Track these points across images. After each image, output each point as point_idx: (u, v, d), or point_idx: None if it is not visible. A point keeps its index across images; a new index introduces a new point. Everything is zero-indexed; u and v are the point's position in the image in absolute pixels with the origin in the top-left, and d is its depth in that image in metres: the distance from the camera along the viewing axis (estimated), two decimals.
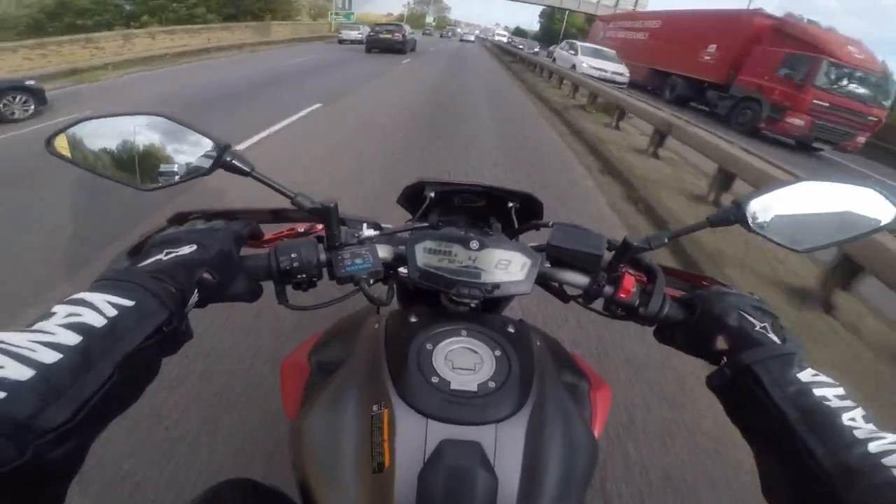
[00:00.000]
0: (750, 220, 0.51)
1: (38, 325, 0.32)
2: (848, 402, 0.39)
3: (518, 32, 76.27)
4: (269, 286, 0.55)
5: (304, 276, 0.53)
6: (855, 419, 0.37)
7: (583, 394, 0.62)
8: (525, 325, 0.58)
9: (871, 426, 0.37)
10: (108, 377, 0.31)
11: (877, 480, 0.32)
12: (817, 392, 0.40)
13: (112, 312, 0.34)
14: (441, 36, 59.59)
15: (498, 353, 0.49)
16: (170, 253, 0.44)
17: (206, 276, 0.45)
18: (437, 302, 0.63)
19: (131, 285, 0.38)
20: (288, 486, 0.55)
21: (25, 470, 0.26)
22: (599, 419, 0.62)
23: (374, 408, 0.45)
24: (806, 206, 0.52)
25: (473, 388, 0.45)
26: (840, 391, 0.40)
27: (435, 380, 0.46)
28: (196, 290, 0.44)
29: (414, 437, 0.43)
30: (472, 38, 54.33)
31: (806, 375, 0.41)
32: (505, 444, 0.43)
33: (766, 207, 0.51)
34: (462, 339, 0.51)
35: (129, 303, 0.36)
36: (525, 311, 2.20)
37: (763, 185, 0.51)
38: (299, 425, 0.50)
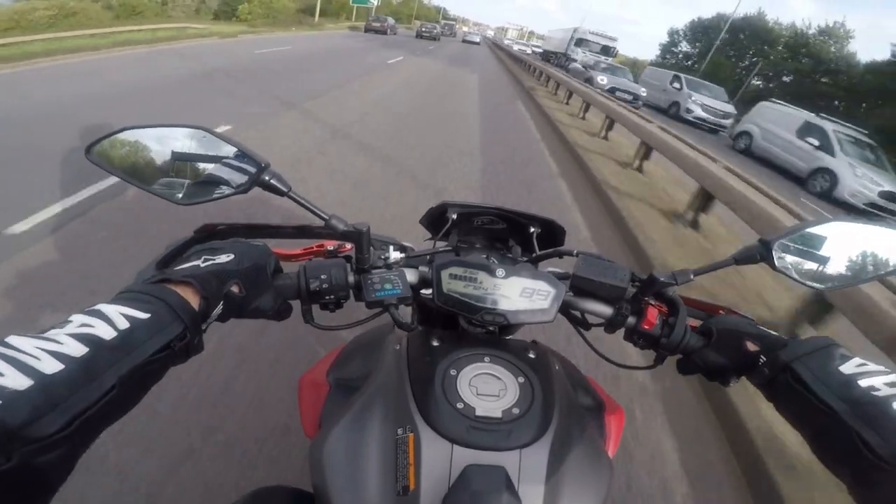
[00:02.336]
0: (776, 260, 0.52)
1: (49, 333, 0.32)
2: None
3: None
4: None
5: (332, 297, 0.53)
6: None
7: (598, 416, 0.63)
8: (543, 349, 0.59)
9: None
10: (109, 389, 0.32)
11: None
12: (864, 382, 0.39)
13: (124, 325, 0.35)
14: (419, 35, 29.78)
15: (521, 379, 0.50)
16: (208, 260, 0.46)
17: (234, 289, 0.46)
18: (455, 323, 0.63)
19: (150, 298, 0.38)
20: None
21: (9, 476, 0.26)
22: (613, 441, 0.63)
23: (399, 431, 0.46)
24: (831, 246, 0.53)
25: (498, 414, 0.46)
26: (891, 378, 0.39)
27: (460, 406, 0.46)
28: (221, 303, 0.44)
29: (439, 462, 0.43)
30: (477, 38, 41.05)
31: (850, 367, 0.41)
32: (529, 469, 0.44)
33: (791, 247, 0.52)
34: (485, 366, 0.51)
35: (143, 316, 0.36)
36: None
37: (791, 225, 0.52)
38: (320, 445, 0.50)
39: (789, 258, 0.52)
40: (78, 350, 0.31)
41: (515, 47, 39.41)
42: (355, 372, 0.62)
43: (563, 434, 0.48)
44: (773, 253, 0.51)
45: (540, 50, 35.26)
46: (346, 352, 0.70)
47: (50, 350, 0.31)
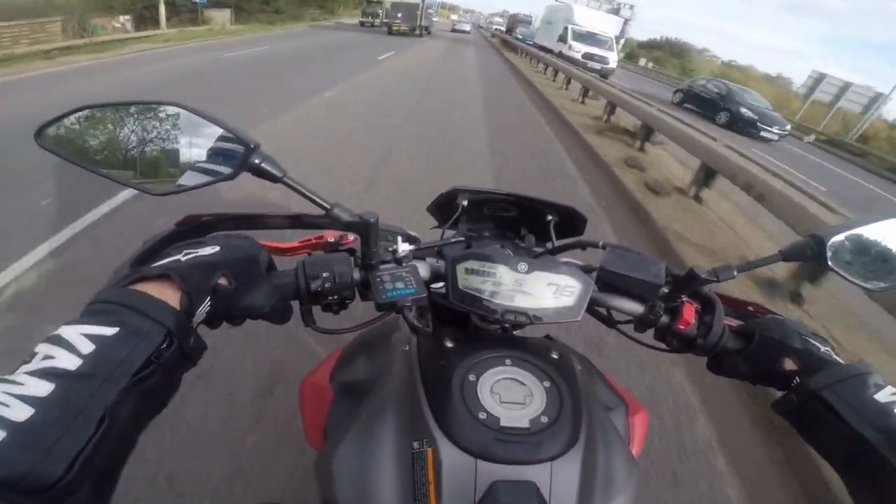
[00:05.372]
0: (829, 256, 0.47)
1: (14, 373, 0.29)
2: None
3: None
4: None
5: (335, 297, 0.48)
6: None
7: (622, 418, 0.60)
8: (564, 348, 0.55)
9: None
10: (100, 422, 0.28)
11: None
12: None
13: (88, 348, 0.30)
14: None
15: (547, 384, 0.46)
16: (189, 254, 0.40)
17: (223, 281, 0.40)
18: (465, 319, 0.59)
19: (113, 307, 0.33)
20: None
21: None
22: (637, 443, 0.60)
23: (415, 445, 0.42)
24: (888, 244, 0.49)
25: (525, 423, 0.42)
26: None
27: (483, 416, 0.42)
28: (209, 299, 0.39)
29: (462, 479, 0.40)
30: (467, 27, 36.67)
31: (885, 395, 0.39)
32: (560, 483, 0.40)
33: (846, 243, 0.48)
34: (507, 370, 0.47)
35: (110, 331, 0.31)
36: None
37: (846, 221, 0.47)
38: (328, 458, 0.46)
39: (842, 255, 0.48)
40: (43, 389, 0.28)
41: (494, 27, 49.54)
42: (361, 376, 0.58)
43: (593, 441, 0.45)
44: (827, 249, 0.47)
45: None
46: (349, 353, 0.65)
47: (16, 394, 0.27)
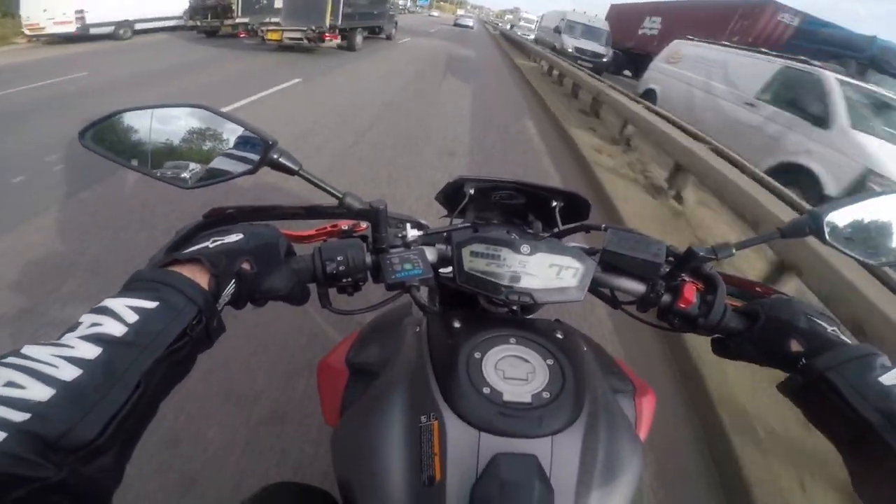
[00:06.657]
0: (826, 232, 0.48)
1: (62, 339, 0.31)
2: None
3: None
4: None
5: (349, 279, 0.51)
6: None
7: (628, 399, 0.61)
8: (570, 329, 0.56)
9: None
10: (135, 388, 0.30)
11: None
12: None
13: (133, 318, 0.33)
14: None
15: (550, 361, 0.48)
16: (216, 241, 0.44)
17: (246, 266, 0.44)
18: (474, 302, 0.61)
19: (156, 284, 0.36)
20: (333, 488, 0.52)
21: (66, 486, 0.25)
22: (644, 424, 0.61)
23: (423, 418, 0.44)
24: (888, 219, 0.49)
25: (527, 399, 0.44)
26: None
27: (486, 390, 0.44)
28: (233, 282, 0.42)
29: (466, 451, 0.42)
30: (470, 22, 37.05)
31: (890, 378, 0.38)
32: (561, 457, 0.42)
33: (844, 219, 0.49)
34: (511, 347, 0.49)
35: (151, 304, 0.34)
36: None
37: (847, 197, 0.48)
38: (341, 434, 0.48)
39: (841, 231, 0.48)
40: (91, 352, 0.30)
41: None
42: (374, 356, 0.61)
43: (595, 419, 0.46)
44: (825, 226, 0.48)
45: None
46: (363, 336, 0.68)
47: (65, 356, 0.29)
